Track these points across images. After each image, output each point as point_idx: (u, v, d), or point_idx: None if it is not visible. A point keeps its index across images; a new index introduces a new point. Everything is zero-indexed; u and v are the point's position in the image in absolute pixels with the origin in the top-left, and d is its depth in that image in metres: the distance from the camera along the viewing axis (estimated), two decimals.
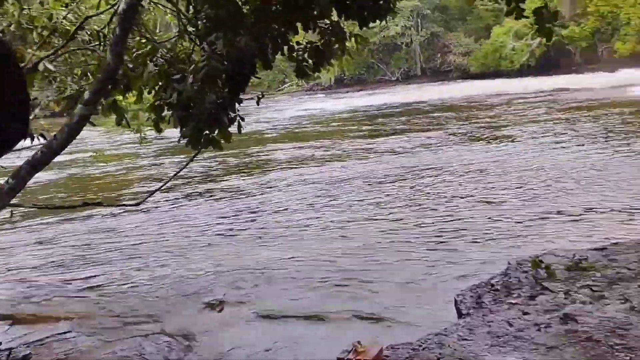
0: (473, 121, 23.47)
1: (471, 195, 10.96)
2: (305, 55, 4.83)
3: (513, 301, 4.72)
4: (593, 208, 9.19)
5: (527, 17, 4.30)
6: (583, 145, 15.32)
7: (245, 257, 8.45)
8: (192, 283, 7.54)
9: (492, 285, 5.48)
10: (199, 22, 4.39)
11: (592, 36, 45.95)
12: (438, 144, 17.87)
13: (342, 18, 4.77)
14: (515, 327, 4.13)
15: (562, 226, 8.38)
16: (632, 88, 28.97)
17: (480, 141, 18.00)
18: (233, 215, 10.94)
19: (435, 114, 27.43)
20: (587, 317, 3.79)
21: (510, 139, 17.53)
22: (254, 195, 12.69)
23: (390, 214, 10.25)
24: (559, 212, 9.14)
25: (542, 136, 17.51)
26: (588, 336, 3.67)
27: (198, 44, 4.57)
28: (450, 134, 20.09)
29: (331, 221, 9.99)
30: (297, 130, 26.71)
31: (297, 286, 7.25)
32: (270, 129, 27.67)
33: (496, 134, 19.03)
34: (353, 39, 5.12)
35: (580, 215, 8.87)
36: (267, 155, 19.05)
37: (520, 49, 49.18)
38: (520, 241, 7.83)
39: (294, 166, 16.04)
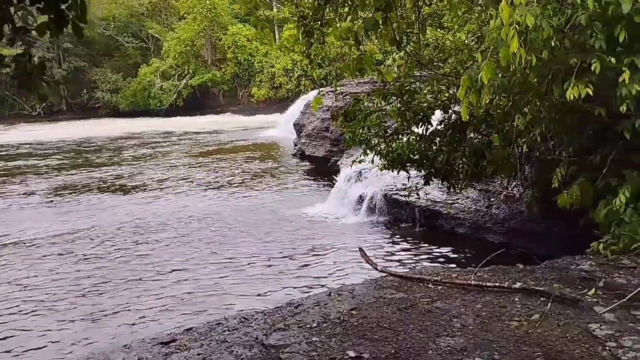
0: (91, 168, 20.84)
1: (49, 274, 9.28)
2: None
3: None
4: (198, 276, 8.58)
5: None
6: (206, 191, 15.32)
7: None
8: None
9: None
10: None
11: (233, 81, 49.27)
12: (15, 204, 15.00)
13: None
14: None
15: (158, 303, 7.50)
16: (263, 131, 31.54)
17: (89, 194, 15.93)
18: None
19: (50, 159, 23.92)
20: None
21: (135, 190, 16.32)
22: None
23: None
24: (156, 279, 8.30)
25: (171, 183, 16.99)
26: None
27: None
28: (48, 188, 17.23)
29: None
30: None
31: None
32: None
33: (119, 184, 17.40)
34: None
35: (179, 286, 8.17)
36: None
37: (168, 88, 49.69)
38: (100, 328, 6.69)
39: None
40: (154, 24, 55.90)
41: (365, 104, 8.21)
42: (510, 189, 9.08)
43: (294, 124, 22.61)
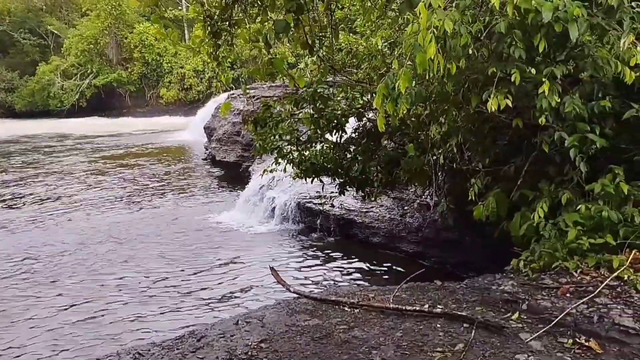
0: None
1: None
2: None
3: None
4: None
5: None
6: (105, 202, 14.25)
7: None
8: None
9: None
10: None
11: (140, 81, 47.23)
12: None
13: None
14: None
15: (42, 336, 6.60)
16: (173, 134, 30.33)
17: None
18: None
19: None
20: None
21: (21, 203, 14.74)
22: None
23: None
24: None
25: (63, 193, 15.61)
26: None
27: None
28: None
29: None
30: None
31: None
32: None
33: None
34: None
35: (66, 314, 7.27)
36: None
37: (70, 88, 46.90)
38: None
39: None
40: (54, 19, 52.66)
41: (278, 108, 7.79)
42: (423, 197, 8.97)
43: (204, 128, 21.75)
